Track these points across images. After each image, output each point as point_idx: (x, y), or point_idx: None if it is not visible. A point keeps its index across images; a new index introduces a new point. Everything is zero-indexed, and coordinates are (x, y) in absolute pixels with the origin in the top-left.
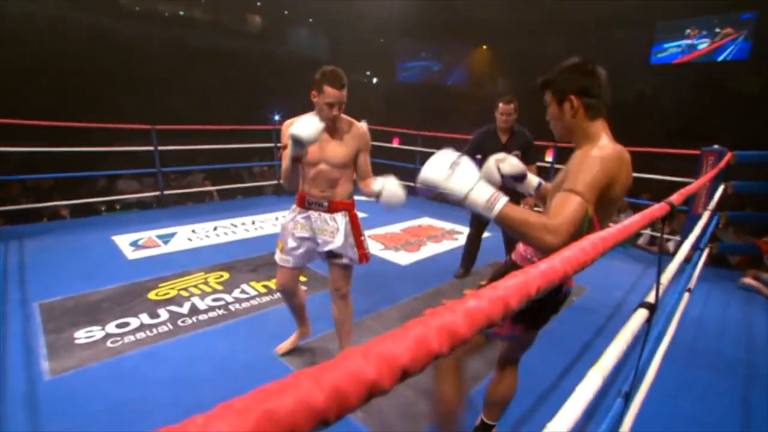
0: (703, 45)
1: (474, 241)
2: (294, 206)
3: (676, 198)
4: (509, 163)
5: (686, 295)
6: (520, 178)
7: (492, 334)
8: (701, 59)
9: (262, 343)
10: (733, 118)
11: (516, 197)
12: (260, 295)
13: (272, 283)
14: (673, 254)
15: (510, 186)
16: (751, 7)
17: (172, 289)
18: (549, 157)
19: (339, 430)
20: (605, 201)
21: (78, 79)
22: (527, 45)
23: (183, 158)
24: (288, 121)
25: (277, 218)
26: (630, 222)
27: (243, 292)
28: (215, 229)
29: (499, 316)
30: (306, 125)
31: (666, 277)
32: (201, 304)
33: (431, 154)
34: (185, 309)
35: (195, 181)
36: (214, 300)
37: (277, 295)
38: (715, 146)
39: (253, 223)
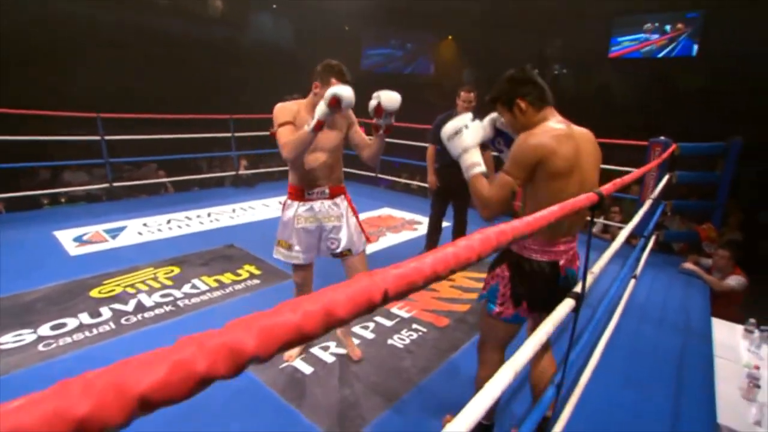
0: (654, 39)
1: (435, 224)
2: (288, 201)
3: (607, 188)
4: (502, 121)
5: (632, 282)
6: (509, 141)
7: (495, 313)
8: (654, 54)
9: None
10: (682, 112)
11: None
12: (211, 290)
13: (225, 277)
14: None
15: (498, 150)
16: (698, 6)
17: (117, 286)
18: None
19: (291, 430)
20: (548, 171)
21: (19, 63)
22: (491, 37)
23: (139, 149)
24: (279, 104)
25: (234, 210)
26: (549, 211)
27: (193, 287)
28: (168, 222)
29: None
30: (344, 88)
31: (599, 265)
32: (148, 301)
33: (395, 145)
34: (130, 306)
35: (149, 173)
36: (162, 296)
37: (230, 289)
38: (661, 138)
39: (209, 215)
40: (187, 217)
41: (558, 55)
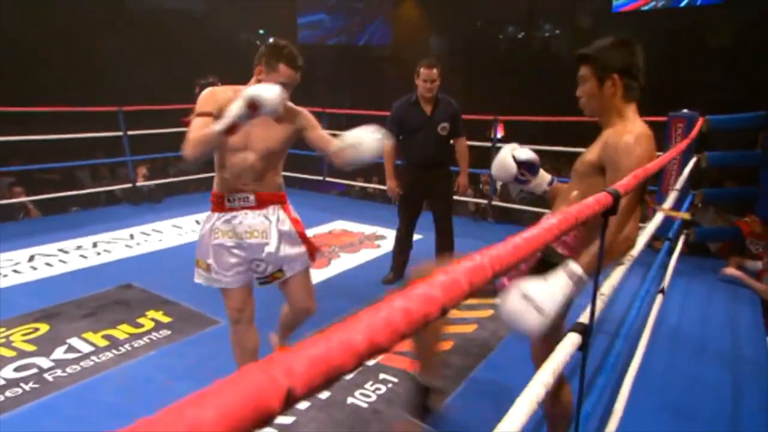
0: None
1: (403, 240)
2: (209, 213)
3: (625, 184)
4: (524, 150)
5: (659, 298)
6: (535, 168)
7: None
8: (673, 4)
9: (98, 421)
10: (707, 76)
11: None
12: (98, 351)
13: (119, 331)
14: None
15: (522, 181)
16: None
17: None
18: (499, 133)
19: None
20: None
21: None
22: None
23: None
24: (208, 90)
25: (131, 236)
26: (547, 227)
27: (70, 349)
28: (31, 259)
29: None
30: (269, 89)
31: (610, 284)
32: None
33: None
34: None
35: None
36: (19, 369)
37: (126, 347)
38: (684, 111)
39: (95, 245)
40: (62, 250)
41: (550, 13)
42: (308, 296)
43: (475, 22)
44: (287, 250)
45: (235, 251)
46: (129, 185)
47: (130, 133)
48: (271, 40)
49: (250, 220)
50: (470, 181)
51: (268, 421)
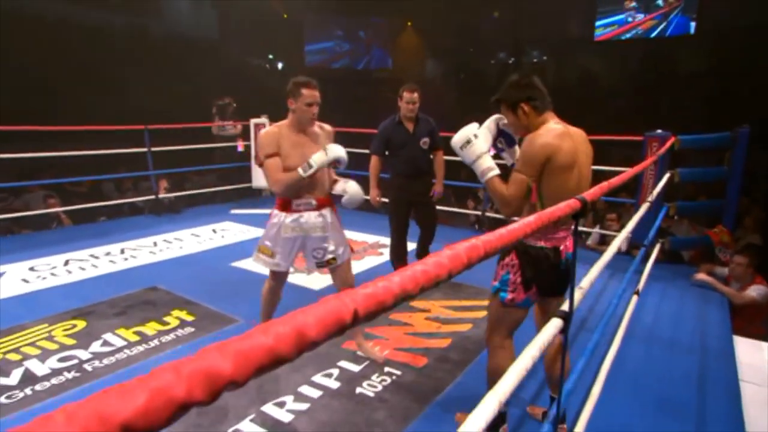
0: (640, 18)
1: (399, 244)
2: (276, 211)
3: (592, 193)
4: (505, 122)
5: (634, 299)
6: (512, 142)
7: (509, 300)
8: (646, 34)
9: None
10: (681, 101)
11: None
12: (130, 345)
13: (148, 327)
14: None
15: (499, 149)
16: None
17: None
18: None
19: None
20: (554, 167)
21: None
22: (458, 20)
23: (20, 170)
24: (265, 130)
25: (155, 243)
26: (526, 222)
27: (106, 344)
28: (66, 263)
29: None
30: (340, 149)
31: (588, 279)
32: (40, 369)
33: (353, 155)
34: (13, 379)
35: (35, 201)
36: (62, 360)
37: (155, 342)
38: (658, 131)
39: (122, 251)
40: (93, 256)
41: (536, 40)
42: (351, 277)
43: (467, 48)
44: (339, 242)
45: (299, 243)
46: (152, 197)
47: (153, 149)
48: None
49: (313, 219)
50: (467, 194)
51: (344, 329)
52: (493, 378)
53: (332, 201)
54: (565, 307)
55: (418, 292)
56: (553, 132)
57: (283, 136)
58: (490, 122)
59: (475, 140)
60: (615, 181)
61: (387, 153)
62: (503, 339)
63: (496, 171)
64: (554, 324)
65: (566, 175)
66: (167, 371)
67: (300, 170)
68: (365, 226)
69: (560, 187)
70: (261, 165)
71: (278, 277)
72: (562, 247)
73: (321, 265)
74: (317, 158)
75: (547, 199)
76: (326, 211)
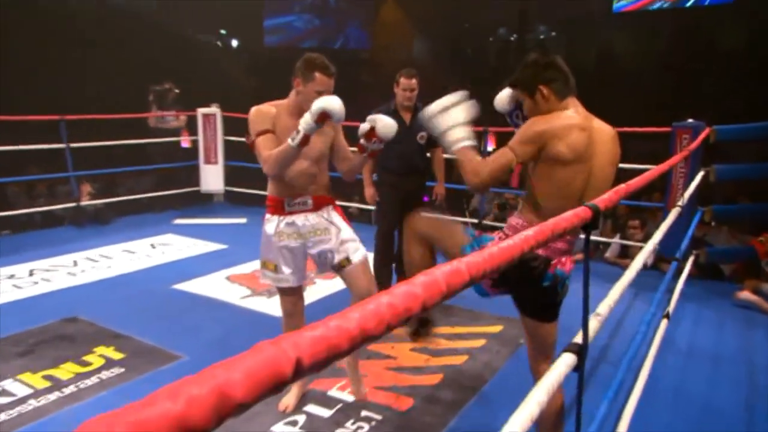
0: None
1: (385, 249)
2: (268, 215)
3: (606, 199)
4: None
5: (663, 323)
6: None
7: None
8: (680, 3)
9: None
10: (721, 83)
11: None
12: (38, 393)
13: (62, 370)
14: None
15: (514, 122)
16: None
17: None
18: (490, 146)
19: None
20: (551, 157)
21: None
22: None
23: None
24: (256, 108)
25: (75, 262)
26: (523, 238)
27: (4, 393)
28: None
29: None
30: (334, 100)
31: (607, 304)
32: None
33: None
34: None
35: None
36: None
37: (72, 388)
38: (690, 120)
39: (31, 273)
40: None
41: (545, 15)
42: (370, 281)
43: (462, 24)
44: (349, 240)
45: (300, 251)
46: (72, 204)
47: (73, 145)
48: (305, 55)
49: (311, 221)
50: (463, 199)
51: (283, 384)
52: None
53: (332, 199)
54: (579, 338)
55: (383, 331)
56: (564, 119)
57: (278, 119)
58: (506, 92)
59: (453, 108)
60: (635, 183)
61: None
62: (424, 249)
63: (470, 142)
64: (565, 361)
65: (568, 171)
66: None
67: (289, 140)
68: None
69: (561, 186)
70: (252, 146)
71: (291, 298)
72: (555, 260)
73: (334, 268)
74: (304, 120)
75: (544, 198)
76: (326, 211)
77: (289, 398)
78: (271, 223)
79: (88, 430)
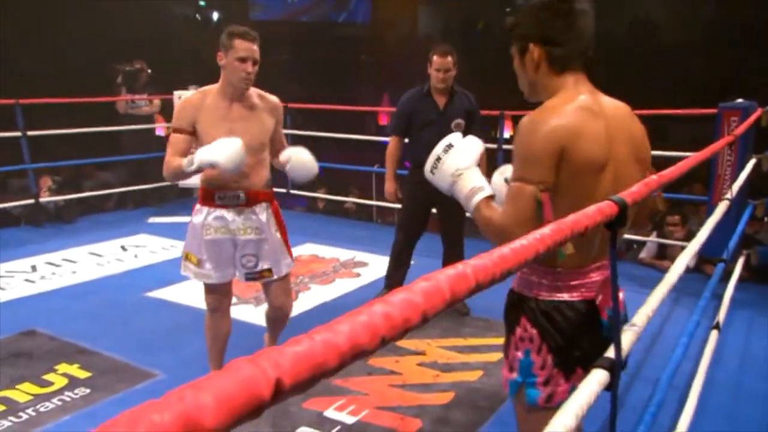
0: None
1: (404, 250)
2: (198, 205)
3: (634, 192)
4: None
5: (713, 335)
6: None
7: (543, 400)
8: None
9: None
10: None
11: None
12: None
13: (18, 392)
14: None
15: None
16: None
17: None
18: (507, 133)
19: None
20: (574, 166)
21: None
22: None
23: None
24: (183, 99)
25: (34, 267)
26: (538, 237)
27: None
28: None
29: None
30: (226, 147)
31: (645, 313)
32: None
33: (313, 140)
34: None
35: None
36: None
37: (29, 412)
38: (739, 101)
39: None
40: None
41: None
42: (286, 296)
43: None
44: (277, 249)
45: (227, 246)
46: (29, 201)
47: (30, 133)
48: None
49: (242, 218)
50: None
51: (260, 408)
52: None
53: (272, 195)
54: (611, 353)
55: (378, 345)
56: (570, 108)
57: (206, 105)
58: (495, 174)
59: (452, 152)
60: (669, 173)
61: (409, 135)
62: None
63: (487, 191)
64: (596, 378)
65: (589, 179)
66: None
67: (184, 161)
68: (336, 237)
69: (583, 200)
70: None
71: (216, 295)
72: (598, 300)
73: (251, 277)
74: (201, 155)
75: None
76: (260, 208)
77: None
78: (200, 215)
79: None
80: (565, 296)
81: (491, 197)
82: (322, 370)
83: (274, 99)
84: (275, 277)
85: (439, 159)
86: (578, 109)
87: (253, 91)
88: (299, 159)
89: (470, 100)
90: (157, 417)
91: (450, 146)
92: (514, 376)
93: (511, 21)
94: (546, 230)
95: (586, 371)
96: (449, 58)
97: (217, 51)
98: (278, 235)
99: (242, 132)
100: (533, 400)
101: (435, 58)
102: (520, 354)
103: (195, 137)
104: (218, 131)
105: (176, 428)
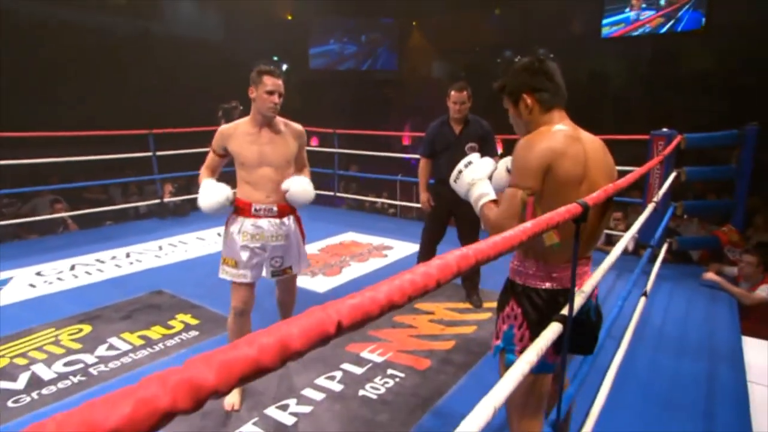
0: (650, 15)
1: (429, 244)
2: (234, 216)
3: (595, 197)
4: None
5: (642, 300)
6: None
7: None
8: (655, 31)
9: None
10: (689, 98)
11: None
12: (135, 349)
13: (153, 332)
14: (635, 255)
15: None
16: None
17: (0, 357)
18: (499, 150)
19: None
20: (558, 178)
21: None
22: (467, 20)
23: (28, 176)
24: (222, 127)
25: (160, 247)
26: (521, 229)
27: (111, 347)
28: (72, 268)
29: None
30: (210, 195)
31: (590, 283)
32: (47, 373)
33: (354, 156)
34: (20, 383)
35: (41, 206)
36: (68, 364)
37: (160, 345)
38: (664, 129)
39: (128, 255)
40: (98, 260)
41: (544, 39)
42: (290, 294)
43: (473, 47)
44: (299, 253)
45: (259, 251)
46: (157, 201)
47: (158, 153)
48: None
49: (274, 227)
50: None
51: (328, 339)
52: None
53: (295, 209)
54: (565, 311)
55: (406, 302)
56: (558, 133)
57: (237, 133)
58: (501, 163)
59: (470, 167)
60: (621, 182)
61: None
62: (528, 422)
63: (491, 197)
64: (553, 329)
65: (574, 191)
66: (153, 382)
67: (204, 181)
68: (371, 227)
69: (564, 204)
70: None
71: (244, 296)
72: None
73: (276, 274)
74: (201, 187)
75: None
76: (288, 220)
77: (233, 397)
78: (236, 224)
79: (192, 364)
80: (548, 285)
81: (494, 201)
82: (368, 316)
83: (298, 126)
84: (294, 273)
85: (460, 171)
86: (564, 136)
87: (279, 120)
88: (298, 188)
89: (483, 127)
90: (265, 339)
91: (470, 163)
92: (498, 342)
93: (500, 83)
94: (528, 224)
95: (555, 347)
96: (464, 93)
97: (248, 87)
98: (300, 240)
99: (270, 152)
100: (510, 363)
101: (452, 93)
102: (505, 327)
103: (225, 158)
104: (250, 152)
105: (276, 348)
